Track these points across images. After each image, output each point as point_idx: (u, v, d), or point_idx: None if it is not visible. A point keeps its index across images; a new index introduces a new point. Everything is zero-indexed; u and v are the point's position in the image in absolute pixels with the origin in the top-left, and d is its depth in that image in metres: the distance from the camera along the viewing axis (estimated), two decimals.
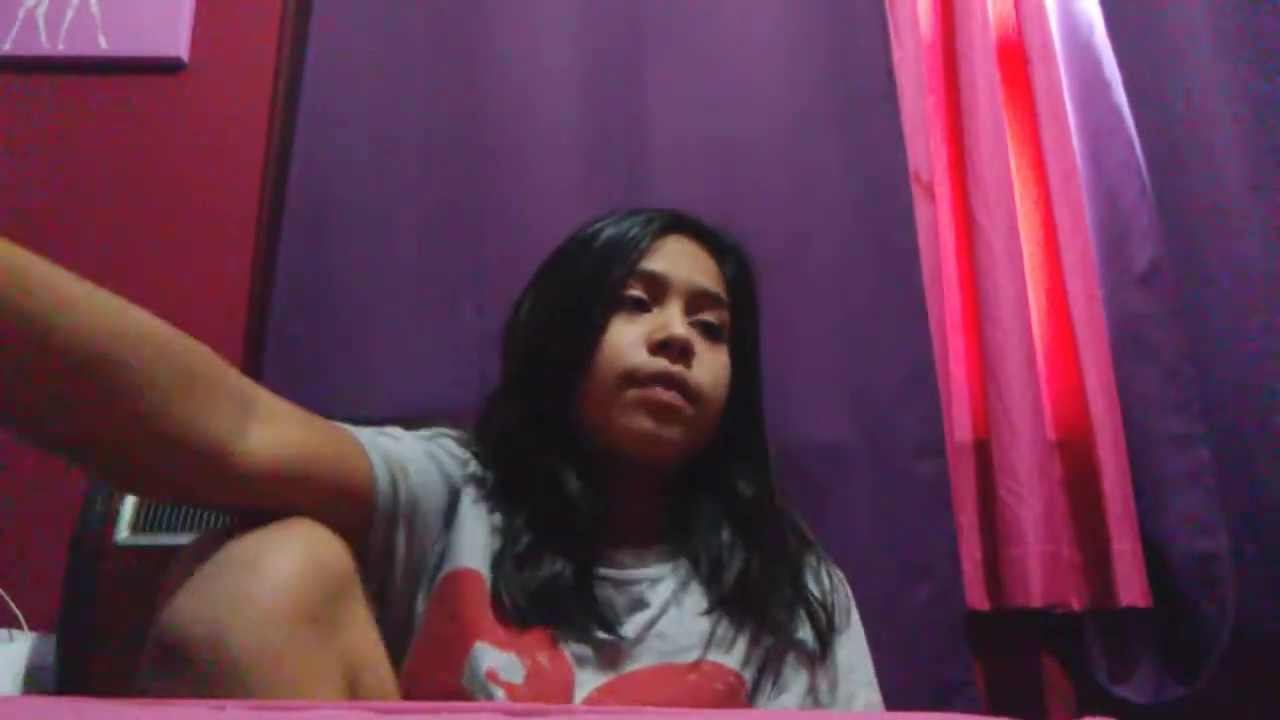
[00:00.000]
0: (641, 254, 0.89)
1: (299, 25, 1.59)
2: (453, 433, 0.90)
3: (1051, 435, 1.46)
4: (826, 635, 0.90)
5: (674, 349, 0.84)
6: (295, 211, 1.44)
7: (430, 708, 0.36)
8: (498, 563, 0.80)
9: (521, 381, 0.89)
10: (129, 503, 1.15)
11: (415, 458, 0.80)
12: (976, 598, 1.40)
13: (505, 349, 0.93)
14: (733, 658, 0.82)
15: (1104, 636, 1.41)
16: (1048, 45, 1.58)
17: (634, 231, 0.90)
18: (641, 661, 0.79)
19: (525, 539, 0.81)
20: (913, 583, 1.34)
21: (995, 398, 1.43)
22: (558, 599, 0.78)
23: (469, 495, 0.84)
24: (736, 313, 0.94)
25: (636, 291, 0.88)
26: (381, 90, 1.50)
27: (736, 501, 0.90)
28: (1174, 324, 1.45)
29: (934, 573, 1.35)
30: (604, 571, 0.84)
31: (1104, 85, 1.55)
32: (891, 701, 1.30)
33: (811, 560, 0.96)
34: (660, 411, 0.83)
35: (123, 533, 1.13)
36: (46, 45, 1.57)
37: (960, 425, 1.49)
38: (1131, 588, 1.36)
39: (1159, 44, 1.55)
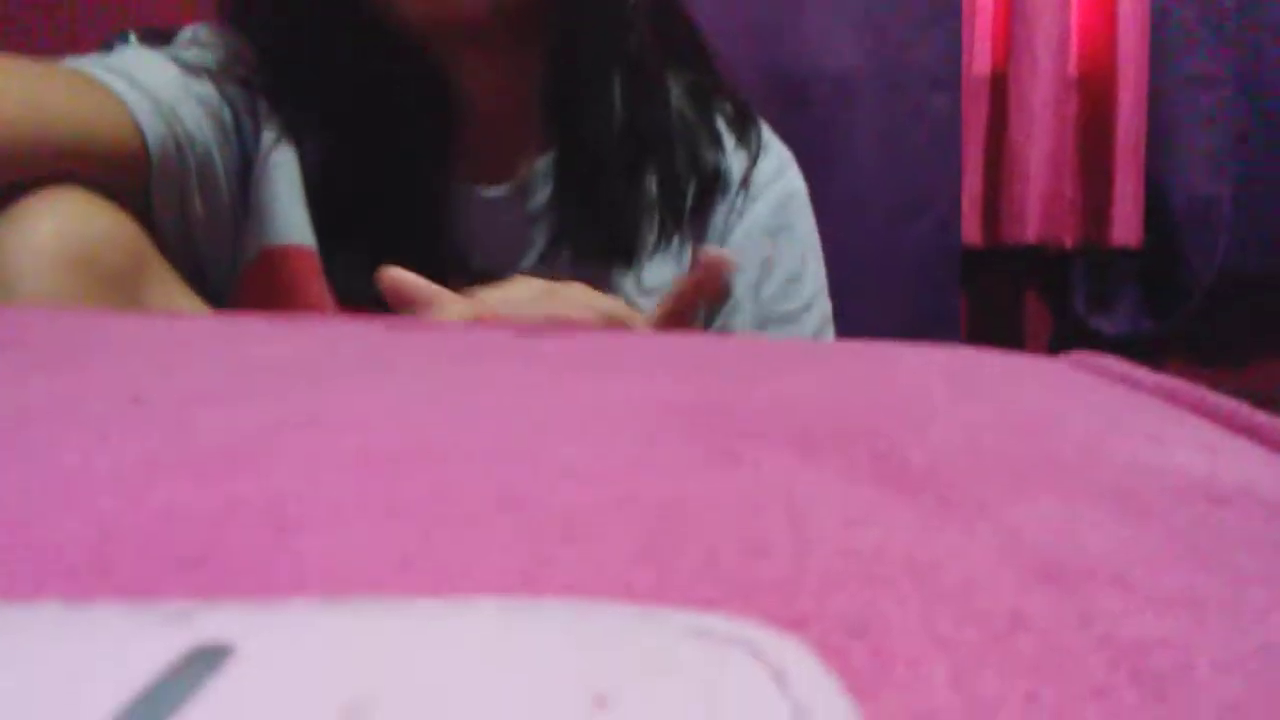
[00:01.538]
0: None
1: None
2: (212, 43, 0.61)
3: (1073, 69, 1.40)
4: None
5: None
6: None
7: (442, 325, 0.37)
8: (321, 233, 0.58)
9: None
10: None
11: (182, 97, 0.55)
12: (971, 233, 1.41)
13: None
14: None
15: (1090, 273, 1.44)
16: None
17: None
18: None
19: (345, 187, 0.58)
20: (911, 216, 1.35)
21: (1020, 26, 1.35)
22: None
23: (269, 138, 0.59)
24: None
25: None
26: None
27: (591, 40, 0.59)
28: None
29: (933, 207, 1.36)
30: (465, 194, 0.60)
31: None
32: (874, 331, 1.37)
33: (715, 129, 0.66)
34: None
35: None
36: None
37: (979, 55, 1.42)
38: (1126, 227, 1.37)
39: None
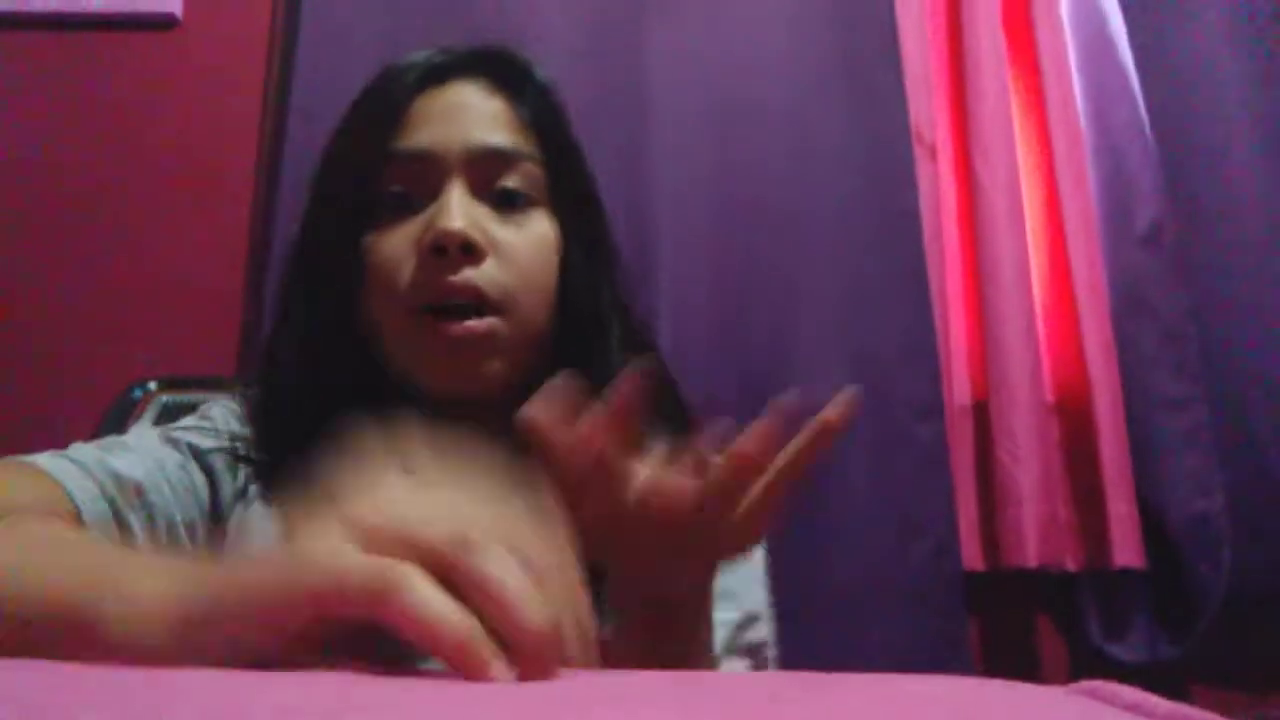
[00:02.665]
0: (394, 129, 0.66)
1: None
2: (214, 416, 0.70)
3: (1050, 397, 1.47)
4: None
5: (450, 251, 0.62)
6: (294, 168, 1.43)
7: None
8: None
9: (293, 321, 0.69)
10: None
11: (151, 471, 0.63)
12: (972, 558, 1.41)
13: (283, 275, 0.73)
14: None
15: (1098, 596, 1.42)
16: (1053, 3, 1.56)
17: (384, 97, 0.68)
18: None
19: None
20: (909, 543, 1.35)
21: (994, 359, 1.43)
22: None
23: (252, 496, 0.66)
24: (553, 159, 0.70)
25: (397, 187, 0.66)
26: (377, 48, 1.48)
27: None
28: (1174, 285, 1.45)
29: (930, 533, 1.36)
30: None
31: (1109, 44, 1.53)
32: (886, 661, 1.32)
33: None
34: (462, 350, 0.63)
35: None
36: (39, 1, 1.55)
37: (959, 387, 1.49)
38: (1127, 548, 1.37)
39: (1165, 3, 1.53)
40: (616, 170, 1.44)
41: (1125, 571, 1.38)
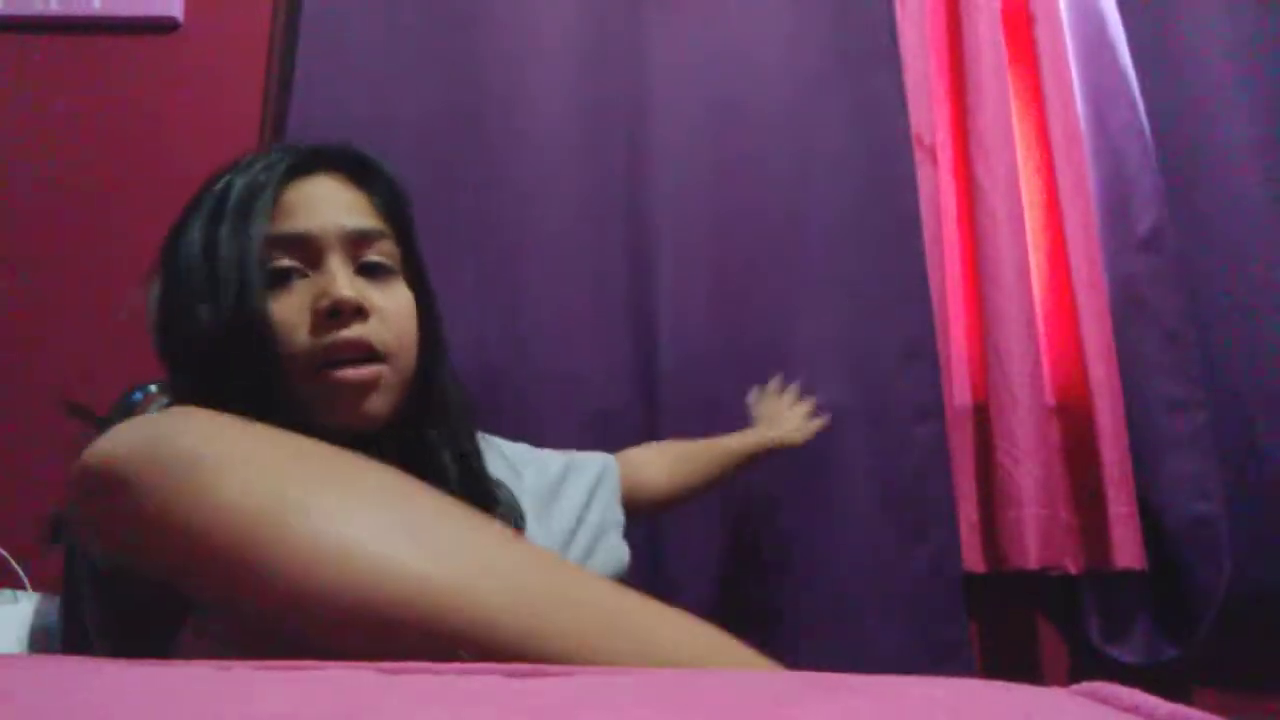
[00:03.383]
0: (272, 214, 0.79)
1: None
2: None
3: (1050, 399, 1.47)
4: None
5: (344, 313, 0.76)
6: None
7: (434, 668, 0.36)
8: None
9: (194, 374, 0.78)
10: None
11: None
12: (973, 560, 1.41)
13: (162, 336, 0.82)
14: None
15: (1099, 598, 1.42)
16: (1052, 5, 1.56)
17: (257, 190, 0.79)
18: None
19: None
20: (911, 545, 1.35)
21: (994, 362, 1.43)
22: None
23: None
24: (403, 238, 0.85)
25: (284, 262, 0.78)
26: (377, 51, 1.48)
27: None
28: (1175, 288, 1.45)
29: (931, 535, 1.36)
30: None
31: (1109, 46, 1.53)
32: (887, 663, 1.32)
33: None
34: (357, 392, 0.77)
35: None
36: (39, 4, 1.55)
37: (959, 389, 1.49)
38: (1127, 550, 1.37)
39: (1164, 5, 1.54)
40: (617, 170, 1.44)
41: (1126, 573, 1.38)
